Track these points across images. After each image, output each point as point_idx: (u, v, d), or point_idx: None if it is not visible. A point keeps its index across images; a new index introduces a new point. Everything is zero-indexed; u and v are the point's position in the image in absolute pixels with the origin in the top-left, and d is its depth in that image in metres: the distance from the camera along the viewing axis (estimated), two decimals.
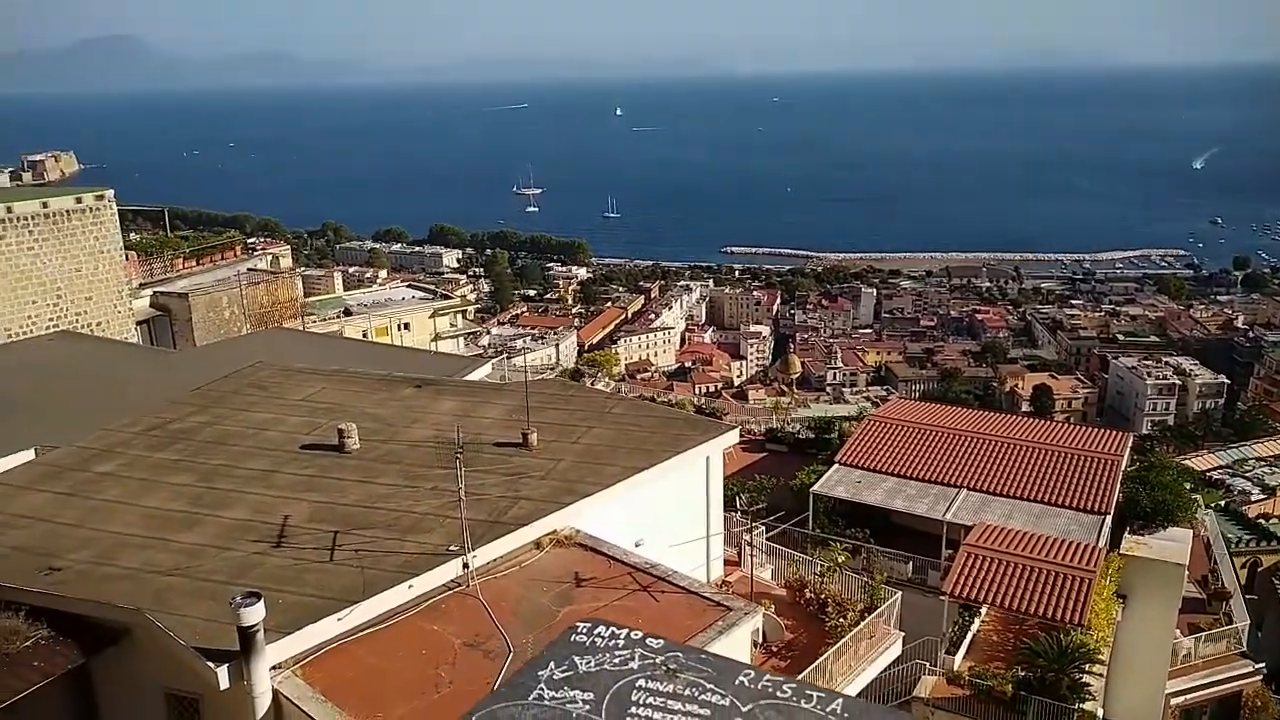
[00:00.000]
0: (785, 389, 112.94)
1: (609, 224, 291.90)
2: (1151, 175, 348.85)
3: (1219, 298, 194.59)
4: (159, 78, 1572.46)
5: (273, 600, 12.67)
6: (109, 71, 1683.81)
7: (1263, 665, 30.90)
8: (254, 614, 11.77)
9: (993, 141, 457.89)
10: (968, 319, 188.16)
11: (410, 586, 14.09)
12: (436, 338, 59.44)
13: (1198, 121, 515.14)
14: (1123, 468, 29.49)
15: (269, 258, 68.19)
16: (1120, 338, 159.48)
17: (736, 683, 8.05)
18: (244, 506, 16.55)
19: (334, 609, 13.26)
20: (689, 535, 19.79)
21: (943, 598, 24.22)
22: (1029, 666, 22.08)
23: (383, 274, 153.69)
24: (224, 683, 11.94)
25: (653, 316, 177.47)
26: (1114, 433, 32.15)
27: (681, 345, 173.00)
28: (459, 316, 65.10)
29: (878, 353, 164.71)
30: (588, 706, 7.74)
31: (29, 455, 19.34)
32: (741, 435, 33.55)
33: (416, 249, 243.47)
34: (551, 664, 8.29)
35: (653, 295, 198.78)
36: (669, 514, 19.06)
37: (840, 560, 21.57)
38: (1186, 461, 52.72)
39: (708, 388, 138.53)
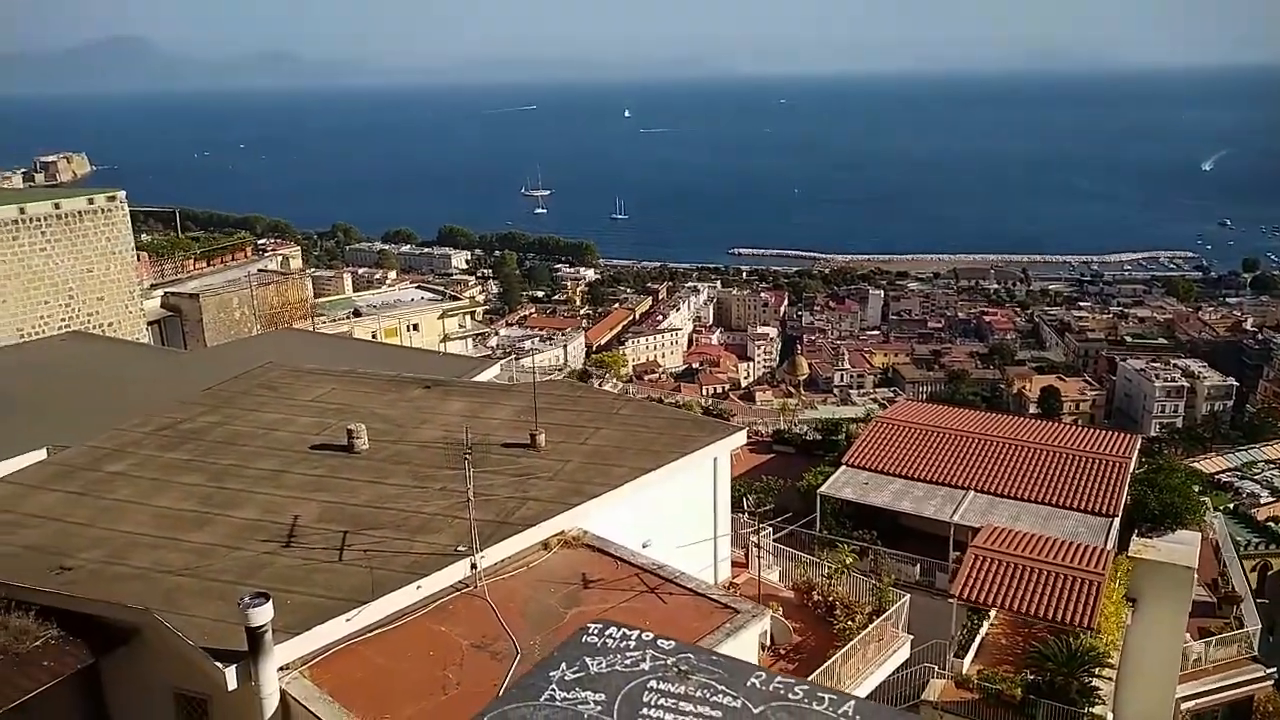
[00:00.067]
0: (792, 390, 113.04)
1: (616, 225, 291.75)
2: (1152, 176, 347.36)
3: (1228, 300, 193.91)
4: (161, 78, 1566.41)
5: (281, 600, 12.70)
6: (111, 72, 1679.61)
7: (1274, 670, 30.64)
8: (262, 615, 11.81)
9: (993, 142, 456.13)
10: (975, 321, 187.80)
11: (418, 587, 14.11)
12: (445, 339, 59.53)
13: (1198, 122, 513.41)
14: (1131, 470, 29.36)
15: (279, 259, 68.64)
16: (1128, 340, 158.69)
17: (748, 684, 8.03)
18: (254, 506, 16.61)
19: (342, 609, 13.28)
20: (696, 536, 19.78)
21: (951, 600, 24.13)
22: (1038, 670, 21.98)
23: (392, 275, 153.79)
24: (232, 683, 11.98)
25: (660, 318, 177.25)
26: (1122, 435, 32.00)
27: (689, 346, 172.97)
28: (467, 318, 65.17)
29: (885, 354, 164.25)
30: (599, 707, 7.73)
31: (41, 454, 19.42)
32: (749, 437, 33.41)
33: (425, 250, 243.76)
34: (563, 665, 8.27)
35: (660, 296, 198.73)
36: (676, 515, 19.05)
37: (848, 562, 21.58)
38: (1195, 464, 52.35)
39: (715, 389, 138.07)
